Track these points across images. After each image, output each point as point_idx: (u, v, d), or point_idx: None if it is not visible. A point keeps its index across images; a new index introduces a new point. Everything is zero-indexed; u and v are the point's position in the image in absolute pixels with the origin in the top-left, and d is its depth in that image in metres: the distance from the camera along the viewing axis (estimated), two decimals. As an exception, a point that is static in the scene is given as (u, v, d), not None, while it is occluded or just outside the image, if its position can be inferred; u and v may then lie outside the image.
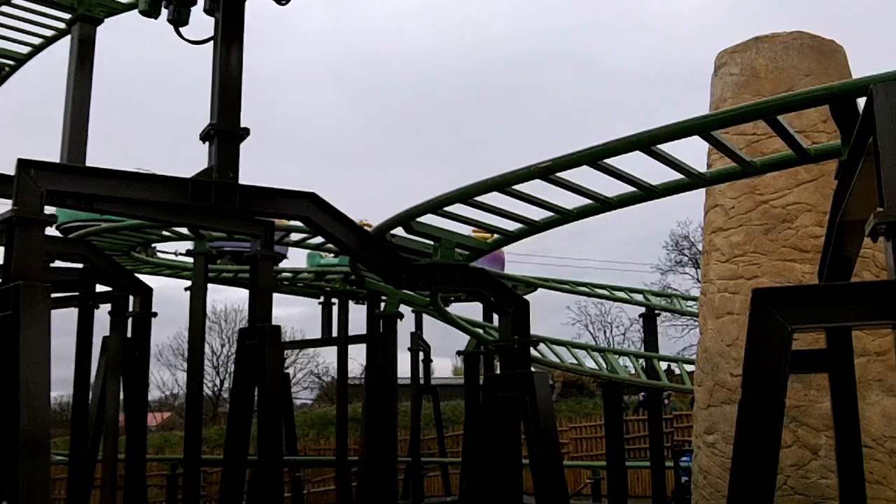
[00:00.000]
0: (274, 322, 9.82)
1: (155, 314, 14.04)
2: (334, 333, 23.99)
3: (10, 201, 7.30)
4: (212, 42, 9.20)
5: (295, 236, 19.09)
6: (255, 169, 8.77)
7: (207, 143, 8.91)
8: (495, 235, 10.75)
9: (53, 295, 7.32)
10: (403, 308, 18.68)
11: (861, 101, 5.47)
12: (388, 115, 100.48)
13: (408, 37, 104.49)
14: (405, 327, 22.77)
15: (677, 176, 8.29)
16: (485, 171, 8.88)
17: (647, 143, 7.33)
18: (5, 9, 13.39)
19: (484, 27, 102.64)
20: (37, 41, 14.27)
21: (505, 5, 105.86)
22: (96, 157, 11.05)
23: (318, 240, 18.18)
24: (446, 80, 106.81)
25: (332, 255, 21.75)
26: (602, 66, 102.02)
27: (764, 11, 78.75)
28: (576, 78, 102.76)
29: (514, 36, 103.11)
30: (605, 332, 60.92)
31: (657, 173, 8.31)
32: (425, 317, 25.31)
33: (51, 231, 7.63)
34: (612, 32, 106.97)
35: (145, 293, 13.88)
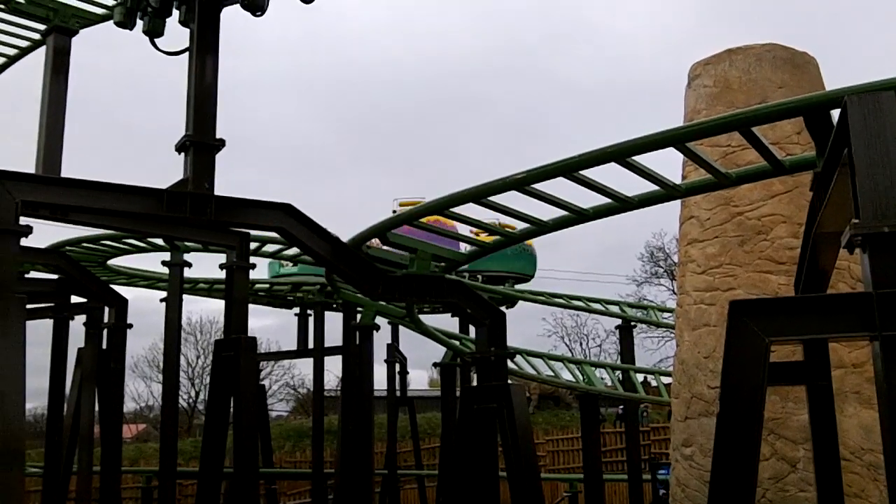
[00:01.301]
0: (249, 333, 9.78)
1: (130, 325, 13.96)
2: (310, 345, 23.90)
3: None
4: (187, 53, 9.18)
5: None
6: (221, 177, 8.75)
7: (183, 153, 8.89)
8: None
9: (28, 306, 7.27)
10: (379, 319, 18.64)
11: (835, 113, 5.50)
12: (354, 125, 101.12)
13: (374, 49, 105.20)
14: (381, 339, 22.72)
15: (652, 187, 8.30)
16: (449, 180, 8.94)
17: (622, 154, 7.33)
18: (-21, 20, 13.30)
19: (449, 40, 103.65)
20: (11, 52, 14.19)
21: (469, 19, 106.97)
22: (71, 167, 10.98)
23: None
24: (412, 91, 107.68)
25: (291, 264, 21.60)
26: (565, 79, 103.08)
27: (728, 28, 79.78)
28: (539, 90, 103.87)
29: (479, 49, 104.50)
30: (581, 343, 61.09)
31: (631, 185, 8.34)
32: (401, 328, 25.24)
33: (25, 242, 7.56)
34: (575, 46, 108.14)
35: (120, 304, 13.80)
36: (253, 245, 15.00)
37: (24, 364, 6.78)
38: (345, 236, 9.97)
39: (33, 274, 15.18)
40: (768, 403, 9.03)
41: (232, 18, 9.20)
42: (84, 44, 12.46)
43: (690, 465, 11.30)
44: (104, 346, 13.78)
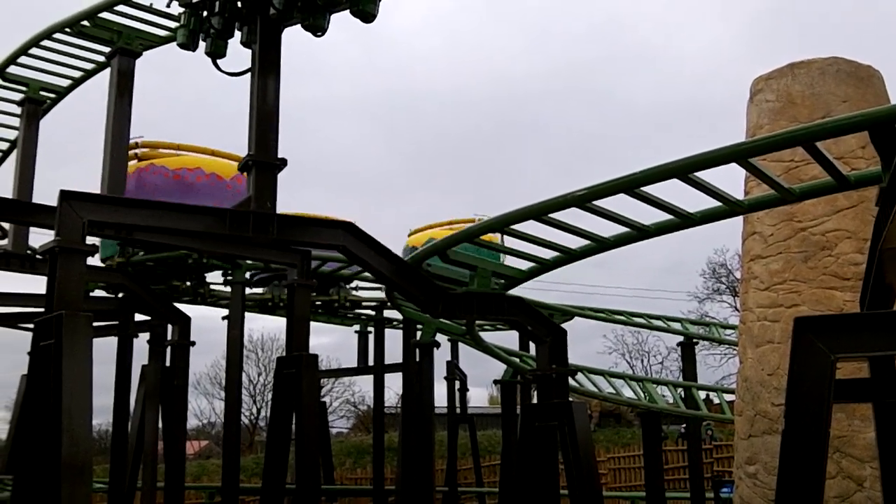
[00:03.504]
0: (311, 351, 9.85)
1: (193, 343, 14.14)
2: (370, 362, 24.00)
3: (52, 232, 7.41)
4: (249, 74, 9.31)
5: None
6: (286, 200, 8.85)
7: (245, 173, 9.00)
8: (531, 264, 10.73)
9: (94, 324, 7.39)
10: (439, 337, 18.64)
11: (901, 127, 5.43)
12: (413, 148, 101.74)
13: (432, 73, 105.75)
14: (441, 356, 22.74)
15: (715, 203, 8.24)
16: (505, 201, 8.93)
17: (684, 170, 7.29)
18: (47, 43, 13.63)
19: (505, 63, 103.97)
20: (77, 74, 14.51)
21: (522, 43, 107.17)
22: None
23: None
24: (469, 114, 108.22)
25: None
26: (622, 100, 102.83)
27: (785, 45, 78.97)
28: (594, 112, 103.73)
29: (534, 71, 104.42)
30: (642, 361, 60.61)
31: (693, 201, 8.28)
32: (461, 345, 25.24)
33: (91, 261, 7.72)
34: (632, 67, 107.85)
35: (183, 322, 13.99)
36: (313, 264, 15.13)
37: (90, 381, 6.90)
38: (405, 255, 10.04)
39: (98, 292, 15.44)
40: (834, 421, 8.90)
41: (297, 43, 9.31)
42: (148, 67, 12.75)
43: (754, 484, 11.14)
44: (167, 364, 13.98)
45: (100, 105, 13.28)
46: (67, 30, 13.22)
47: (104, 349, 14.79)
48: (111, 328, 14.58)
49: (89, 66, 14.15)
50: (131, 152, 15.31)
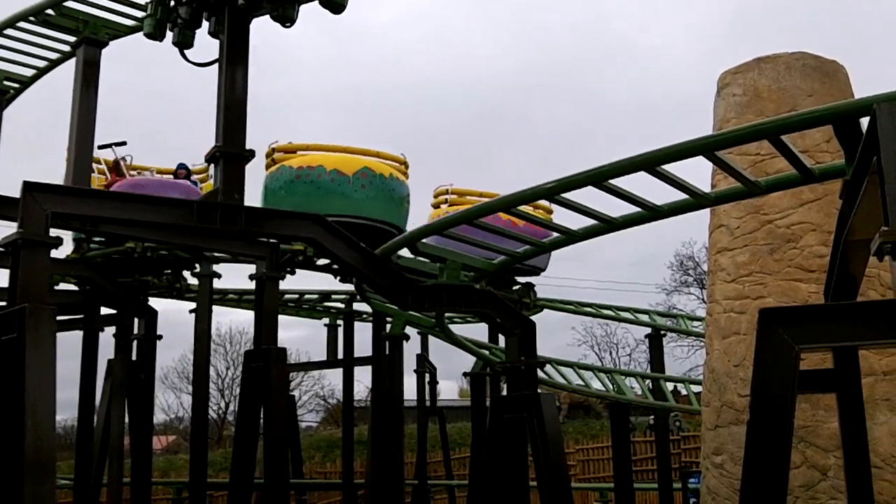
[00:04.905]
0: (279, 344, 9.82)
1: (160, 337, 14.04)
2: (339, 355, 23.94)
3: (14, 224, 7.33)
4: (217, 64, 9.25)
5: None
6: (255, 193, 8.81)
7: (213, 164, 8.95)
8: (500, 256, 10.75)
9: (58, 318, 7.33)
10: (409, 330, 18.63)
11: (864, 121, 5.47)
12: (391, 142, 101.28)
13: (409, 67, 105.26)
14: (411, 349, 22.71)
15: (682, 196, 8.28)
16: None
17: (651, 163, 7.32)
18: (10, 31, 13.44)
19: (482, 59, 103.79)
20: (42, 64, 14.32)
21: (502, 37, 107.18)
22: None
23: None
24: (448, 108, 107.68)
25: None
26: (600, 95, 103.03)
27: (760, 40, 79.42)
28: (575, 107, 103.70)
29: (512, 67, 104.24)
30: (610, 353, 60.86)
31: (660, 194, 8.31)
32: (431, 338, 25.22)
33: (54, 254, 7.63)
34: (609, 62, 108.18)
35: (150, 316, 13.90)
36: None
37: (54, 376, 6.83)
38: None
39: (62, 286, 15.29)
40: (799, 411, 8.99)
41: (265, 39, 9.25)
42: (113, 59, 12.60)
43: (721, 474, 11.22)
44: (134, 358, 13.87)
45: (67, 96, 13.13)
46: (32, 18, 13.04)
47: (69, 343, 14.72)
48: (76, 322, 14.45)
49: (54, 55, 13.98)
50: (441, 196, 17.44)
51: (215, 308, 18.25)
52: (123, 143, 16.33)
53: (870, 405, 9.25)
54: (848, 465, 5.97)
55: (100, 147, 14.99)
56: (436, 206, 17.13)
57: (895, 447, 10.12)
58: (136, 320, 14.11)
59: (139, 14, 12.65)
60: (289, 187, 14.18)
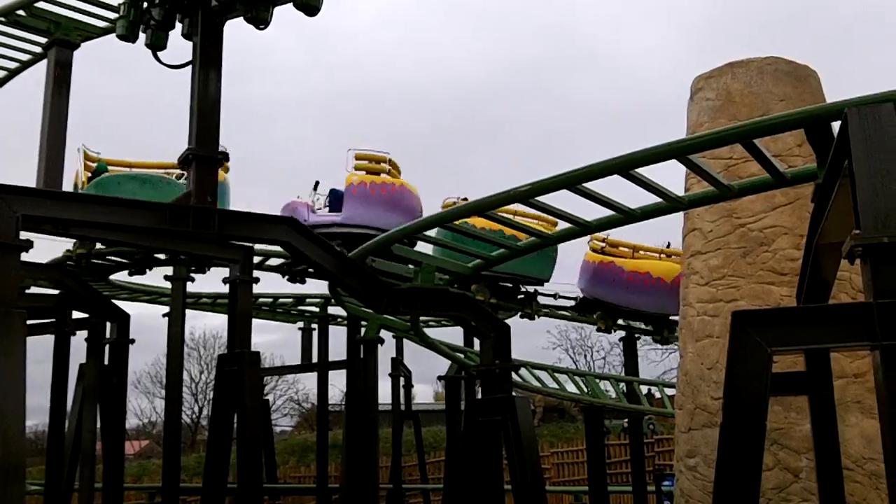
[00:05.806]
0: (253, 348, 9.76)
1: (132, 341, 13.91)
2: (314, 359, 23.87)
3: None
4: (190, 67, 9.20)
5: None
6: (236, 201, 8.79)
7: (186, 167, 8.90)
8: (475, 259, 10.74)
9: (28, 322, 7.25)
10: (384, 333, 18.61)
11: (836, 125, 5.51)
12: (365, 146, 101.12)
13: (382, 71, 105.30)
14: (385, 353, 22.68)
15: (656, 199, 8.31)
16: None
17: (625, 166, 7.34)
18: (-21, 34, 13.30)
19: (458, 63, 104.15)
20: (12, 65, 14.18)
21: (476, 41, 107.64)
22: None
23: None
24: (423, 112, 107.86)
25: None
26: (574, 99, 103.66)
27: (734, 43, 79.93)
28: (549, 111, 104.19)
29: (487, 71, 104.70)
30: (585, 356, 60.89)
31: (634, 197, 8.34)
32: (406, 342, 25.21)
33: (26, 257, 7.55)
34: (581, 67, 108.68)
35: (122, 319, 13.76)
36: (256, 259, 15.00)
37: (24, 380, 6.75)
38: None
39: (34, 290, 15.15)
40: (771, 414, 9.03)
41: (241, 44, 9.22)
42: (85, 61, 12.47)
43: (694, 476, 11.26)
44: (106, 362, 13.74)
45: (38, 98, 13.01)
46: (2, 19, 12.91)
47: (40, 347, 14.57)
48: (47, 326, 14.31)
49: (25, 56, 13.84)
50: (598, 243, 19.63)
51: (189, 312, 18.15)
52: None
53: (841, 407, 9.32)
54: (820, 467, 6.01)
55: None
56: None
57: (866, 449, 10.18)
58: (108, 324, 13.98)
59: (112, 15, 12.54)
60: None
